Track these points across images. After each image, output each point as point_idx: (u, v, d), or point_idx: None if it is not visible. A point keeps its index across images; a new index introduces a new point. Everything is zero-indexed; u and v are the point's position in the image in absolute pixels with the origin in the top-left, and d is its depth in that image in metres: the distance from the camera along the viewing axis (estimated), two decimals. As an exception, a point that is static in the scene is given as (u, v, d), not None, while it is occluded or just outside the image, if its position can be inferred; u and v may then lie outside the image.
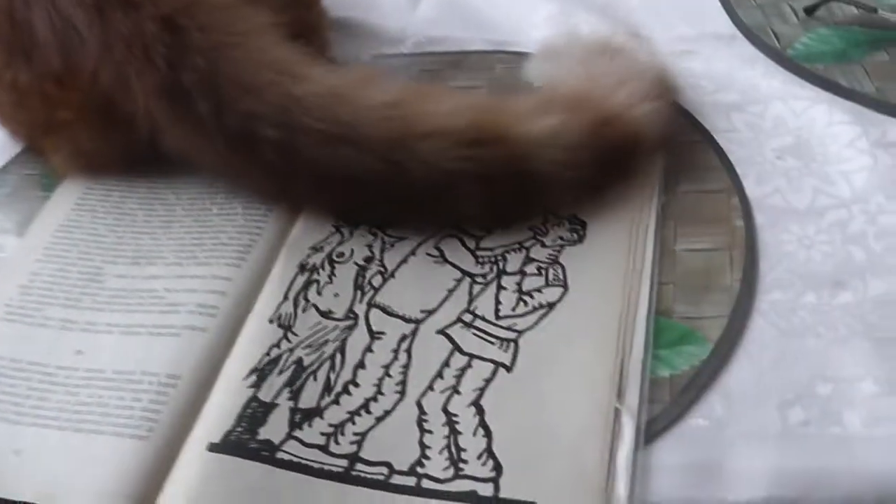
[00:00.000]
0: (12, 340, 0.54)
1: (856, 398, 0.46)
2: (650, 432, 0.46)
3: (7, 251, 0.61)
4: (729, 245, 0.54)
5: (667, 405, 0.47)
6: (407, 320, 0.52)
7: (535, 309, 0.51)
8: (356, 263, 0.56)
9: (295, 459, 0.46)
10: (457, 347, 0.50)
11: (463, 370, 0.49)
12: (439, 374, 0.49)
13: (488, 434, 0.46)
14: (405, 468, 0.45)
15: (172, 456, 0.47)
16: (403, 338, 0.51)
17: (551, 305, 0.52)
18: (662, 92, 0.59)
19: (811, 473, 0.44)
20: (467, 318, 0.52)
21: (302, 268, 0.56)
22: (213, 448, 0.47)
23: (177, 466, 0.47)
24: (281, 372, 0.50)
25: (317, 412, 0.48)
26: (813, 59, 0.65)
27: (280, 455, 0.46)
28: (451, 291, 0.53)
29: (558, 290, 0.52)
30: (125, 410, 0.49)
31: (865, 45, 0.66)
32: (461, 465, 0.45)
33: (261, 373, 0.50)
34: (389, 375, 0.49)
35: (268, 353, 0.51)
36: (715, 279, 0.52)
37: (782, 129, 0.61)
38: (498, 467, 0.45)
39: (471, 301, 0.53)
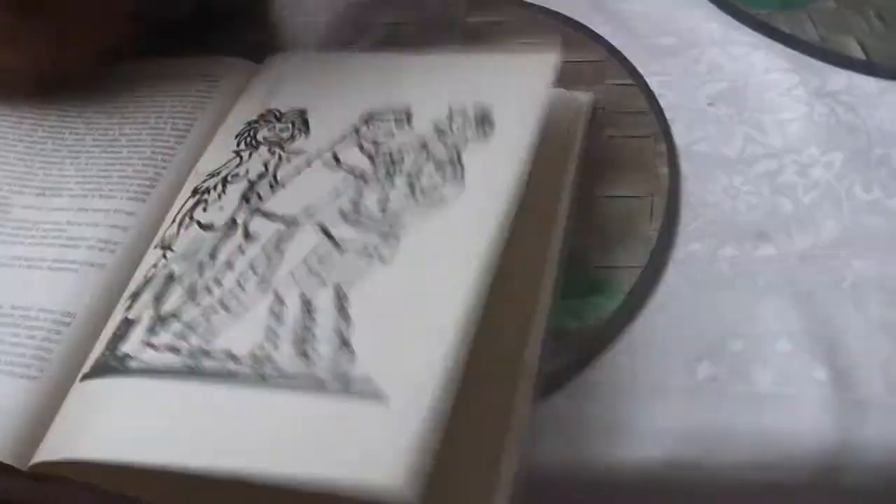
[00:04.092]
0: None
1: (768, 355, 0.44)
2: (549, 386, 0.43)
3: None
4: (651, 193, 0.51)
5: (571, 357, 0.45)
6: (287, 222, 0.48)
7: (427, 206, 0.46)
8: (248, 180, 0.52)
9: (143, 366, 0.43)
10: (331, 238, 0.46)
11: (334, 261, 0.45)
12: (306, 264, 0.45)
13: (347, 323, 0.42)
14: (251, 359, 0.41)
15: (61, 396, 0.45)
16: (279, 237, 0.47)
17: (444, 202, 0.46)
18: None
19: (715, 432, 0.42)
20: (348, 209, 0.47)
21: (195, 192, 0.52)
22: (83, 377, 0.44)
23: (63, 406, 0.44)
24: (152, 288, 0.47)
25: (174, 315, 0.45)
26: (757, 4, 0.62)
27: (131, 364, 0.43)
28: (339, 191, 0.49)
29: (455, 189, 0.47)
30: (18, 348, 0.47)
31: (814, -7, 0.63)
32: (312, 355, 0.41)
33: (135, 295, 0.47)
34: (254, 272, 0.45)
35: (145, 276, 0.48)
36: (633, 228, 0.49)
37: (717, 74, 0.58)
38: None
39: (357, 196, 0.48)
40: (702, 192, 0.51)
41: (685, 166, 0.52)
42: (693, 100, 0.56)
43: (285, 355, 0.42)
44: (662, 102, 0.56)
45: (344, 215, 0.47)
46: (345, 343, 0.41)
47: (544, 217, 0.49)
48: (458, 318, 0.41)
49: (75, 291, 0.49)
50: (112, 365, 0.44)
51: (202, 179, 0.53)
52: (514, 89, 0.53)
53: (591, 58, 0.59)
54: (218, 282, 0.46)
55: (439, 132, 0.51)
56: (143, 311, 0.46)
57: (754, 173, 0.52)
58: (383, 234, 0.46)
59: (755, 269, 0.47)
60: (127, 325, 0.45)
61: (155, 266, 0.48)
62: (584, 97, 0.55)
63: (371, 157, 0.51)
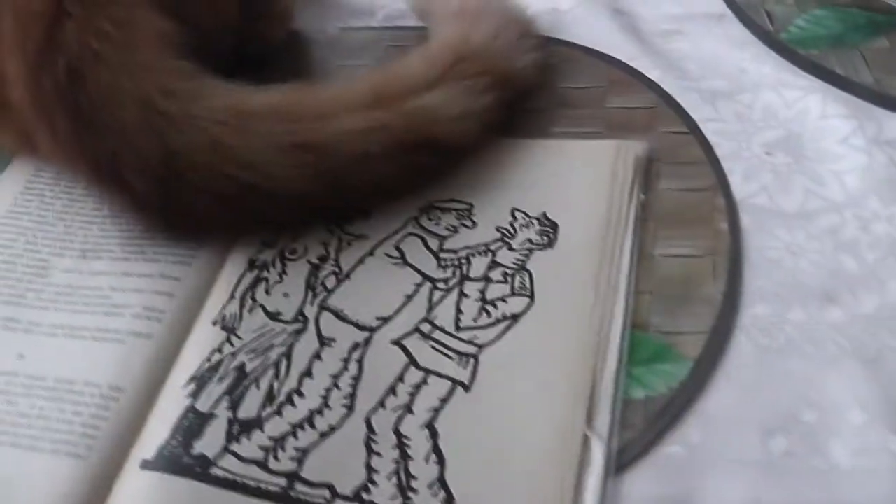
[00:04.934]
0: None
1: (842, 427, 0.43)
2: (621, 460, 0.42)
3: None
4: (712, 250, 0.50)
5: (640, 430, 0.43)
6: (360, 327, 0.48)
7: (498, 321, 0.48)
8: (309, 262, 0.52)
9: (230, 477, 0.43)
10: (412, 361, 0.47)
11: (417, 387, 0.46)
12: (392, 391, 0.46)
13: (441, 461, 0.43)
14: (349, 493, 0.42)
15: (111, 476, 0.44)
16: (355, 346, 0.47)
17: (515, 317, 0.48)
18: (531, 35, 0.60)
19: (792, 509, 0.41)
20: (425, 328, 0.48)
21: (251, 264, 0.52)
22: (146, 465, 0.44)
23: (115, 488, 0.43)
24: (221, 379, 0.47)
25: (256, 424, 0.45)
26: (808, 45, 0.61)
27: (214, 471, 0.43)
28: (409, 298, 0.49)
29: (524, 301, 0.48)
30: (65, 425, 0.46)
31: (865, 29, 0.62)
32: (410, 494, 0.42)
33: (200, 380, 0.47)
34: (338, 387, 0.46)
35: (209, 359, 0.48)
36: (695, 289, 0.48)
37: (772, 120, 0.57)
38: (449, 499, 0.41)
39: (430, 309, 0.49)
40: (764, 249, 0.50)
41: (745, 220, 0.52)
42: (749, 148, 0.55)
43: (385, 495, 0.42)
44: (718, 151, 0.55)
45: (420, 332, 0.48)
46: (442, 485, 0.42)
47: (606, 278, 0.48)
48: (550, 458, 0.42)
49: (122, 364, 0.48)
50: (188, 464, 0.43)
51: (256, 249, 0.52)
52: (577, 185, 0.54)
53: (642, 103, 0.59)
54: (300, 393, 0.45)
55: (503, 235, 0.51)
56: (217, 406, 0.45)
57: (816, 229, 0.51)
58: (462, 357, 0.47)
59: (823, 334, 0.46)
60: (199, 418, 0.45)
61: (220, 351, 0.48)
62: (639, 147, 0.54)
63: (436, 256, 0.51)
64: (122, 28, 0.51)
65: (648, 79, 0.60)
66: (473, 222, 0.53)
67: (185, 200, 0.51)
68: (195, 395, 0.46)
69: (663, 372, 0.45)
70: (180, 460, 0.43)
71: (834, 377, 0.45)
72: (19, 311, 0.52)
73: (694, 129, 0.57)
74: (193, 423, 0.45)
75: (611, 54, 0.63)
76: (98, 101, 0.50)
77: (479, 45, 0.57)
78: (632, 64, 0.62)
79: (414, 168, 0.53)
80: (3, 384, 0.48)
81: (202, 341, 0.49)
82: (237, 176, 0.50)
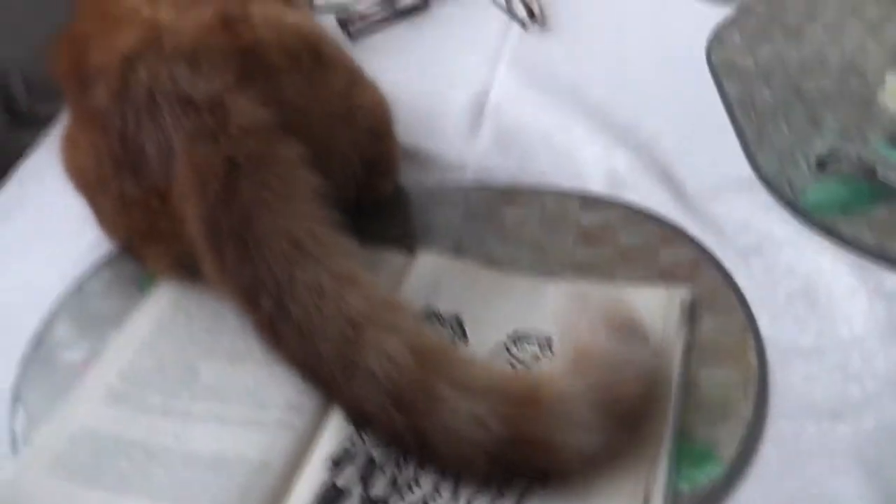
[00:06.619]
0: (115, 422, 0.63)
1: (851, 522, 0.55)
2: (673, 542, 0.54)
3: (105, 341, 0.69)
4: (744, 378, 0.62)
5: (686, 520, 0.56)
6: None
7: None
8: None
9: None
10: None
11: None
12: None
13: None
14: None
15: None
16: None
17: None
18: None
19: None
20: None
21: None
22: None
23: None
24: (355, 464, 0.58)
25: (384, 501, 0.57)
26: (822, 210, 0.74)
27: None
28: None
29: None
30: (219, 490, 0.57)
31: (868, 198, 0.75)
32: None
33: (337, 462, 0.59)
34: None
35: (344, 448, 0.59)
36: (731, 407, 0.61)
37: (792, 274, 0.70)
38: None
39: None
40: (785, 377, 0.63)
41: (771, 354, 0.64)
42: (774, 296, 0.68)
43: None
44: (748, 297, 0.68)
45: None
46: None
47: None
48: None
49: (269, 445, 0.60)
50: None
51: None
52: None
53: (687, 256, 0.72)
54: (417, 482, 0.58)
55: None
56: (352, 485, 0.58)
57: (828, 363, 0.63)
58: None
59: (834, 446, 0.58)
60: (337, 492, 0.57)
61: (353, 443, 0.60)
62: (684, 293, 0.67)
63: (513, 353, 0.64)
64: (284, 182, 0.64)
65: (691, 236, 0.73)
66: (552, 352, 0.65)
67: (284, 327, 0.60)
68: (334, 473, 0.58)
69: (706, 471, 0.57)
70: None
71: (842, 480, 0.56)
72: (173, 402, 0.64)
73: (729, 279, 0.70)
74: (333, 494, 0.57)
75: (660, 213, 0.76)
76: (260, 237, 0.61)
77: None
78: (678, 222, 0.75)
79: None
80: (163, 458, 0.60)
81: (338, 432, 0.60)
82: (312, 330, 0.59)
